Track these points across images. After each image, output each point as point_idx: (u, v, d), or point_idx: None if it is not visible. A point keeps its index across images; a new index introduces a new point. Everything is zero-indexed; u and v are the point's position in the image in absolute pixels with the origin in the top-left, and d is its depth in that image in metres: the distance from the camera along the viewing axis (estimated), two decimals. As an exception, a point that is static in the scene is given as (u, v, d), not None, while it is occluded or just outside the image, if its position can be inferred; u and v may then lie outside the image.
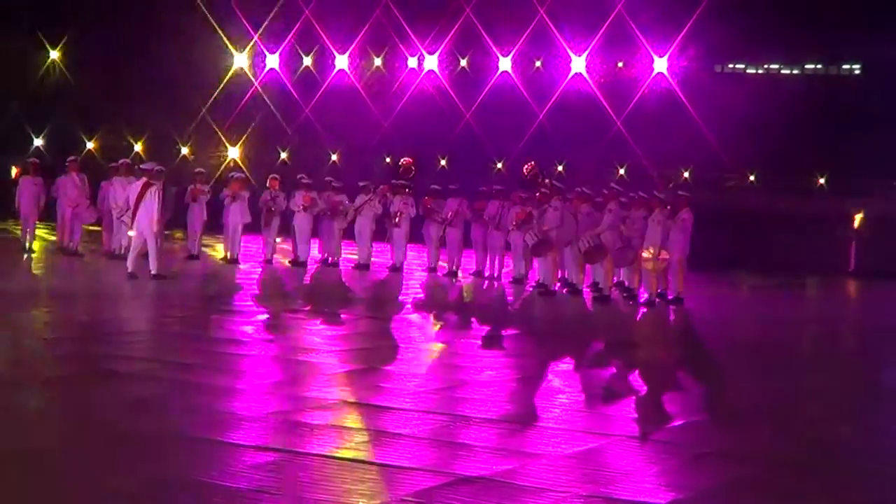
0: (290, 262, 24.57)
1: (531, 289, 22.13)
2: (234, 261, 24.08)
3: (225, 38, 40.65)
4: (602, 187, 22.38)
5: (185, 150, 41.06)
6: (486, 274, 24.09)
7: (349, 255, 25.78)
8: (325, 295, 20.43)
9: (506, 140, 37.19)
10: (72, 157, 24.78)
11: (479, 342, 15.22)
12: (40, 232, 25.44)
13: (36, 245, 24.67)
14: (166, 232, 25.02)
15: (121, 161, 23.82)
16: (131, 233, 19.72)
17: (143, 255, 19.72)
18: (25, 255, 23.62)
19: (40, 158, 27.59)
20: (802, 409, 11.59)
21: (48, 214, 25.04)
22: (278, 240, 25.16)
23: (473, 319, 17.69)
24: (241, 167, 37.30)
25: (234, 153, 41.43)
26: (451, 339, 15.30)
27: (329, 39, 39.34)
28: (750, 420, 10.71)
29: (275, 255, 24.72)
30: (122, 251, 21.49)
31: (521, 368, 12.99)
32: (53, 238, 24.97)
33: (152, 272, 19.45)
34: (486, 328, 16.66)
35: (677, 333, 18.45)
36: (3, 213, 30.35)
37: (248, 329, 15.17)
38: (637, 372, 13.25)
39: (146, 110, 38.97)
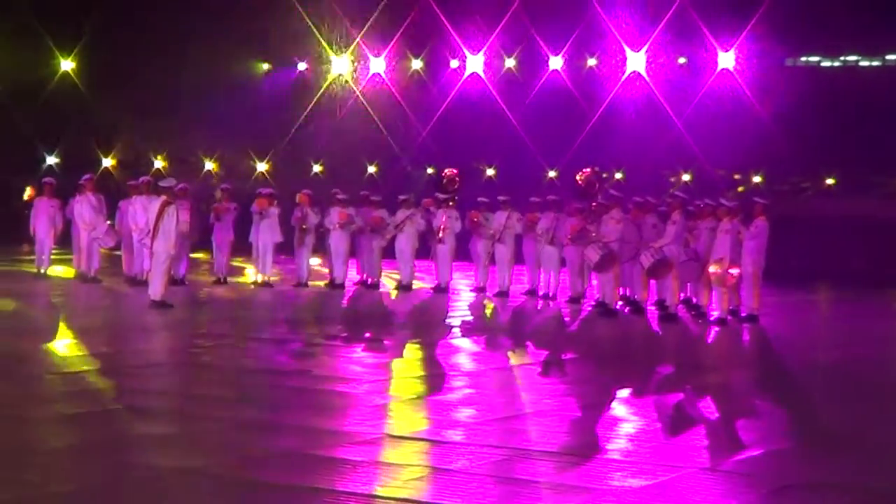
0: (326, 284, 24.62)
1: (590, 308, 22.08)
2: (265, 284, 24.14)
3: (249, 45, 40.97)
4: (665, 195, 22.31)
5: (210, 165, 41.38)
6: (541, 293, 24.04)
7: (390, 275, 25.82)
8: (364, 319, 20.47)
9: (558, 146, 37.16)
10: (87, 176, 24.51)
11: (536, 368, 15.20)
12: (56, 257, 25.63)
13: (51, 271, 24.86)
14: (192, 255, 25.18)
15: (141, 179, 23.33)
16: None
17: (173, 282, 19.68)
18: (41, 282, 23.81)
19: (54, 178, 27.58)
20: (895, 435, 11.45)
21: (65, 238, 25.21)
22: (313, 260, 25.21)
23: (528, 343, 17.65)
24: (268, 181, 37.54)
25: (261, 166, 41.69)
26: (505, 366, 15.26)
27: (364, 41, 39.52)
28: (837, 448, 10.59)
29: (310, 278, 24.77)
30: (145, 276, 21.40)
31: (583, 396, 12.95)
32: (70, 264, 25.09)
33: (152, 298, 19.40)
34: (543, 352, 16.63)
35: (752, 354, 18.33)
36: (17, 238, 30.61)
37: (282, 358, 15.20)
38: (709, 397, 13.17)
39: (167, 123, 39.27)
